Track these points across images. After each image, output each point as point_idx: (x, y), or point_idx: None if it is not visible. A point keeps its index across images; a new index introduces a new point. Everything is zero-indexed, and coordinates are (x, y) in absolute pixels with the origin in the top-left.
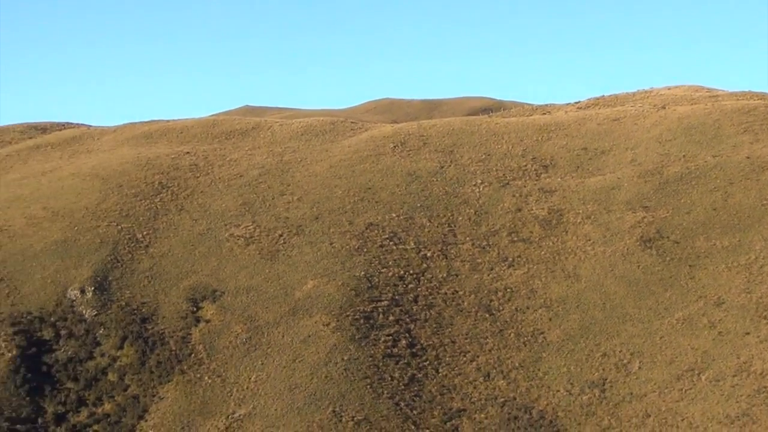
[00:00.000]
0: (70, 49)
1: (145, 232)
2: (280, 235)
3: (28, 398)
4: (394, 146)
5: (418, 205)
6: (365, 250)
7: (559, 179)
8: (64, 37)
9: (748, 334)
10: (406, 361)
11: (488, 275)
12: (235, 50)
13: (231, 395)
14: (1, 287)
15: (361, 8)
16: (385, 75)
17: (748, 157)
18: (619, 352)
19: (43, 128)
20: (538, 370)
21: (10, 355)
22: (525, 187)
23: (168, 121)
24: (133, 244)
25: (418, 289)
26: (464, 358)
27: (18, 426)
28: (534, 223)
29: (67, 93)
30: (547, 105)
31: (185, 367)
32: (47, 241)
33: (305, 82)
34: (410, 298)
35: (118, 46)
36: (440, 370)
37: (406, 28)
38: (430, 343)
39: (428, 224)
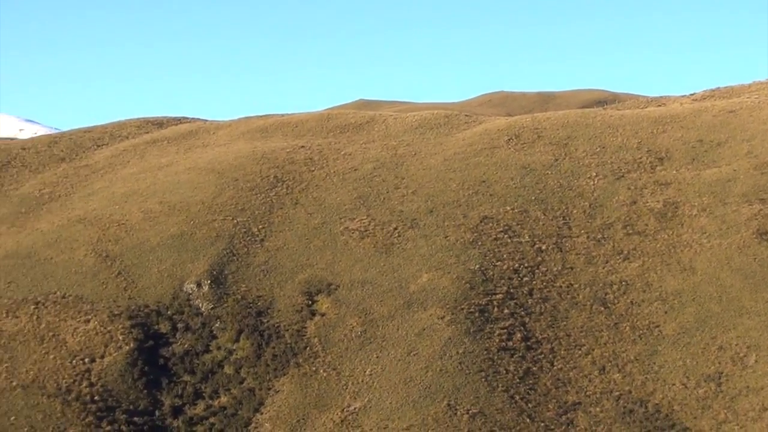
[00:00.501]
0: (187, 45)
1: (260, 226)
2: (395, 229)
3: (145, 391)
4: (509, 139)
5: (533, 198)
6: (480, 243)
7: (674, 172)
8: (181, 34)
9: None
10: (521, 354)
11: (603, 268)
12: (351, 45)
13: (346, 388)
14: (119, 281)
15: (476, 3)
16: (499, 68)
17: None
18: (736, 345)
19: (159, 123)
20: (654, 363)
21: (127, 348)
22: (640, 179)
23: (283, 115)
24: (248, 238)
25: (533, 282)
26: (579, 352)
27: (135, 418)
28: (649, 216)
29: (183, 88)
30: (661, 97)
31: (301, 360)
32: (164, 235)
33: (420, 75)
34: (525, 291)
35: (234, 41)
36: (555, 364)
37: (521, 21)
38: (545, 336)
39: (543, 217)
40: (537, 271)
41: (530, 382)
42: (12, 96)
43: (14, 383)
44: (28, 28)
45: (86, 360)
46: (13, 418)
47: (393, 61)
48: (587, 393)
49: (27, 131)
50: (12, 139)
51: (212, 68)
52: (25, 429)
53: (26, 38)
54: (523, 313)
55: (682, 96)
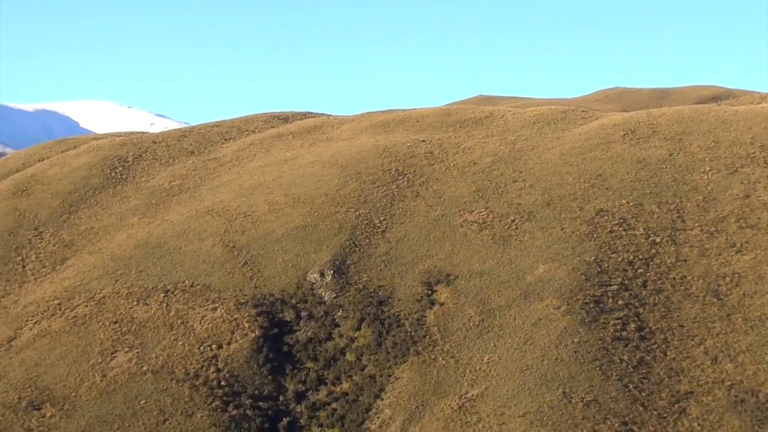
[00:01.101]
0: (312, 43)
1: (382, 218)
2: (513, 221)
3: (270, 377)
4: (624, 134)
5: (647, 191)
6: (595, 235)
7: None
8: (307, 33)
9: None
10: (634, 344)
11: (716, 260)
12: (471, 42)
13: (464, 376)
14: (245, 270)
15: (593, 3)
16: (615, 65)
17: None
18: None
19: (285, 118)
20: (766, 354)
21: (253, 335)
22: (753, 174)
23: (404, 110)
24: (370, 229)
25: (647, 274)
26: (692, 342)
27: (260, 403)
28: (762, 210)
29: (308, 84)
30: None
31: (420, 348)
32: (289, 227)
33: (537, 72)
34: (639, 283)
35: (356, 39)
36: (668, 353)
37: (637, 20)
38: (659, 326)
39: (657, 210)
40: (651, 263)
41: (644, 371)
42: (144, 92)
43: (144, 368)
44: (160, 27)
45: (213, 346)
46: (143, 401)
47: (512, 57)
48: (699, 382)
49: (158, 125)
50: (144, 132)
51: (336, 65)
52: (155, 412)
53: (158, 36)
54: (637, 303)
55: None
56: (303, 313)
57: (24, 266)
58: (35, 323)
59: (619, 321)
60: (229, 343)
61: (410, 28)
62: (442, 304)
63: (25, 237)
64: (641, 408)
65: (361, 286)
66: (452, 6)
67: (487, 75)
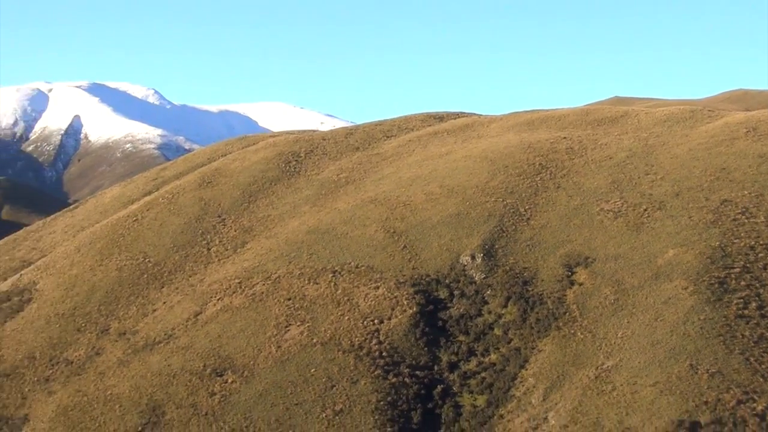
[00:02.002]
0: (466, 48)
1: (526, 207)
2: (645, 210)
3: (425, 348)
4: (747, 131)
5: None
6: (720, 223)
7: None
8: (461, 40)
9: None
10: (755, 321)
11: None
12: (607, 47)
13: (600, 349)
14: (404, 253)
15: (726, 7)
16: (739, 67)
17: None
18: None
19: (440, 117)
20: None
21: (411, 311)
22: None
23: (547, 110)
24: (516, 217)
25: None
26: None
27: (417, 372)
28: None
29: (461, 85)
30: None
31: (561, 324)
32: (443, 214)
33: (668, 75)
34: (760, 266)
35: (509, 45)
36: None
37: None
38: None
39: None
40: None
41: (764, 346)
42: (315, 94)
43: (314, 340)
44: (331, 35)
45: (376, 321)
46: (313, 370)
47: (645, 61)
48: None
49: (327, 124)
50: (314, 131)
51: (486, 69)
52: (324, 379)
53: (328, 44)
54: (758, 285)
55: None
56: (456, 292)
57: (209, 249)
58: (218, 300)
59: (741, 300)
60: (389, 318)
61: (553, 35)
62: (580, 285)
63: (210, 223)
64: (761, 379)
65: (508, 268)
66: (590, 15)
67: (622, 77)
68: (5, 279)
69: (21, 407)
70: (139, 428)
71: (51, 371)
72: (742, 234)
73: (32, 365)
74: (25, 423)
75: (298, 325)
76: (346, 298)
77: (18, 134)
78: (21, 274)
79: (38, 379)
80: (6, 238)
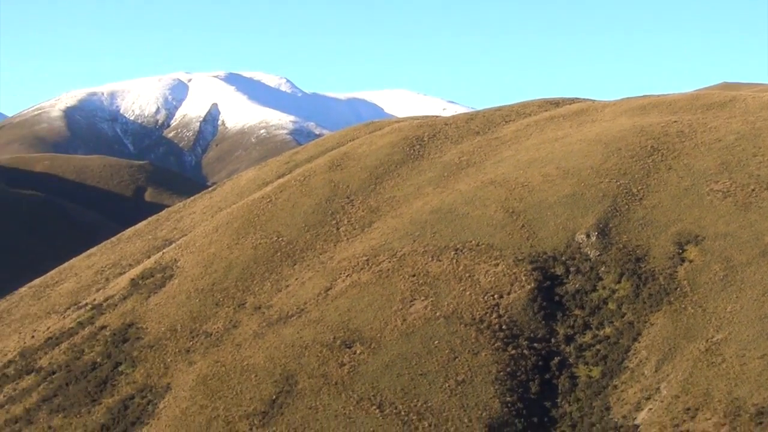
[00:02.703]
0: (580, 33)
1: (639, 187)
2: (753, 190)
3: (543, 322)
4: None
5: None
6: None
7: None
8: (576, 26)
9: None
10: None
11: None
12: (716, 33)
13: (710, 323)
14: (522, 232)
15: None
16: None
17: None
18: None
19: (556, 103)
20: None
21: (529, 287)
22: None
23: (658, 95)
24: (629, 197)
25: None
26: None
27: (535, 344)
28: None
29: (576, 71)
30: None
31: (672, 299)
32: (559, 195)
33: None
34: None
35: (622, 32)
36: None
37: None
38: None
39: None
40: None
41: None
42: (437, 81)
43: (438, 314)
44: (451, 23)
45: (495, 296)
46: (436, 342)
47: (754, 48)
48: None
49: (449, 110)
50: (437, 116)
51: (598, 55)
52: (446, 351)
53: (448, 34)
54: None
55: None
56: (571, 269)
57: (338, 228)
58: (347, 276)
59: None
60: (508, 293)
61: (667, 23)
62: (691, 261)
63: (339, 204)
64: None
65: (621, 246)
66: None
67: (731, 63)
68: (149, 257)
69: (164, 376)
70: (274, 396)
71: (191, 343)
72: None
73: (174, 337)
74: (168, 391)
75: (422, 300)
76: (467, 275)
77: (160, 121)
78: (163, 252)
79: (179, 350)
80: (149, 219)
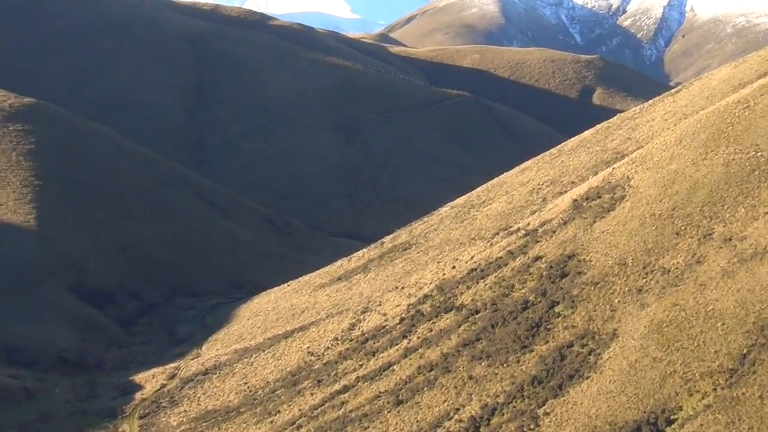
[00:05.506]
0: None
1: None
2: None
3: None
4: None
5: None
6: None
7: None
8: None
9: None
10: None
11: None
12: None
13: None
14: None
15: None
16: None
17: None
18: None
19: None
20: None
21: None
22: None
23: None
24: None
25: None
26: None
27: None
28: None
29: None
30: None
31: None
32: None
33: None
34: None
35: None
36: None
37: None
38: None
39: None
40: None
41: None
42: None
43: None
44: None
45: None
46: None
47: None
48: None
49: None
50: None
51: None
52: None
53: None
54: None
55: None
56: None
57: None
58: None
59: None
60: None
61: None
62: None
63: None
64: None
65: None
66: None
67: None
68: (595, 173)
69: (609, 321)
70: (745, 350)
71: (644, 281)
72: None
73: (623, 273)
74: (614, 339)
75: None
76: None
77: (614, 6)
78: (613, 168)
79: (629, 290)
80: (598, 126)
